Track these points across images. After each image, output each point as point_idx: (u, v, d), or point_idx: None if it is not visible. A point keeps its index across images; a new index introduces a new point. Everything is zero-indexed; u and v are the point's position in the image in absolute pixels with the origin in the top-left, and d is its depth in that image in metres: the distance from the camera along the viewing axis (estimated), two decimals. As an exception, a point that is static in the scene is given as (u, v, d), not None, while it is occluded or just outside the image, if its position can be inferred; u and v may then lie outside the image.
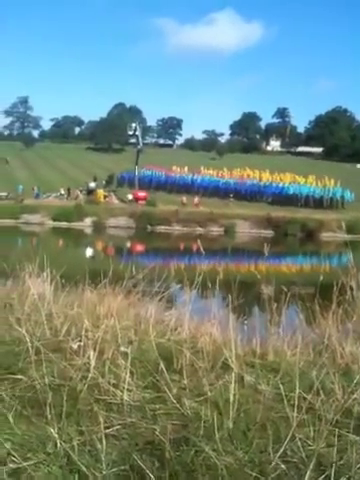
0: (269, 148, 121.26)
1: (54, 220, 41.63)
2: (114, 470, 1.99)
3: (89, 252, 29.60)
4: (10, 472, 1.97)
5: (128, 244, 34.89)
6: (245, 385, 2.89)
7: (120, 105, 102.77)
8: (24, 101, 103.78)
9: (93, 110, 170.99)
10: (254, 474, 2.01)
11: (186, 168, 59.60)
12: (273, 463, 2.07)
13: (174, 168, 59.83)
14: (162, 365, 2.89)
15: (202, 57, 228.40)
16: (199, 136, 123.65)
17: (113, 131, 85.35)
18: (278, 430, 2.35)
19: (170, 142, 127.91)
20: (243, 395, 2.68)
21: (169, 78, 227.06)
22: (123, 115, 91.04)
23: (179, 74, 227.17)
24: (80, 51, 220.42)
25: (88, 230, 40.99)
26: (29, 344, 3.02)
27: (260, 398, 2.68)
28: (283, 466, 2.07)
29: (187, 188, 55.03)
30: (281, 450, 2.13)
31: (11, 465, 1.99)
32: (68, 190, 49.32)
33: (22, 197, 45.58)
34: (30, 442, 2.18)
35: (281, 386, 2.74)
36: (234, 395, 2.58)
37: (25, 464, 1.97)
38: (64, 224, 40.79)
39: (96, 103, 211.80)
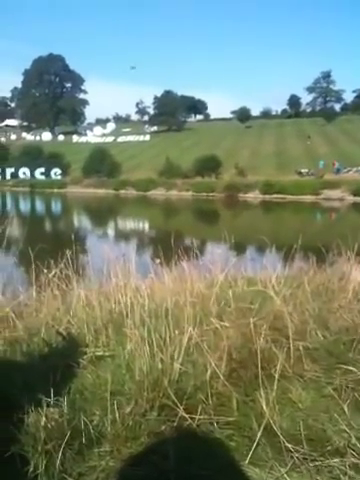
0: None
1: (355, 195, 40.28)
2: None
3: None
4: (351, 465, 1.97)
5: None
6: None
7: None
8: (327, 76, 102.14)
9: None
10: None
11: None
12: None
13: None
14: None
15: None
16: None
17: None
18: None
19: None
20: None
21: None
22: None
23: None
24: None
25: (392, 206, 38.11)
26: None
27: None
28: None
29: None
30: None
31: (352, 459, 2.01)
32: (370, 163, 46.80)
33: (323, 173, 45.65)
34: (366, 438, 2.15)
35: None
36: None
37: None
38: (365, 200, 39.08)
39: None
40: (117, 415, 2.16)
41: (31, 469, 1.84)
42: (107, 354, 2.85)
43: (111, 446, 2.05)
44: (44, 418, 2.01)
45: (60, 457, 1.87)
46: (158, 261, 4.79)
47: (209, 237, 16.38)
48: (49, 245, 4.99)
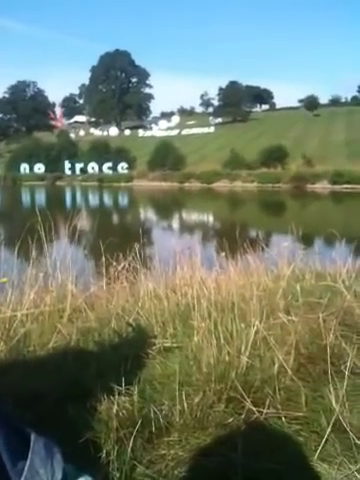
0: None
1: None
2: None
3: None
4: None
5: None
6: None
7: None
8: None
9: None
10: None
11: None
12: None
13: None
14: None
15: None
16: None
17: None
18: None
19: None
20: None
21: None
22: None
23: None
24: None
25: None
26: None
27: None
28: None
29: None
30: None
31: None
32: None
33: None
34: None
35: None
36: None
37: None
38: None
39: None
40: (185, 405, 2.20)
41: (103, 455, 1.92)
42: (175, 345, 2.91)
43: (180, 436, 2.10)
44: (116, 406, 2.09)
45: (131, 445, 1.94)
46: (223, 254, 4.80)
47: (275, 229, 16.14)
48: (117, 238, 5.14)
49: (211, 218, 29.25)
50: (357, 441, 2.04)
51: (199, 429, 2.14)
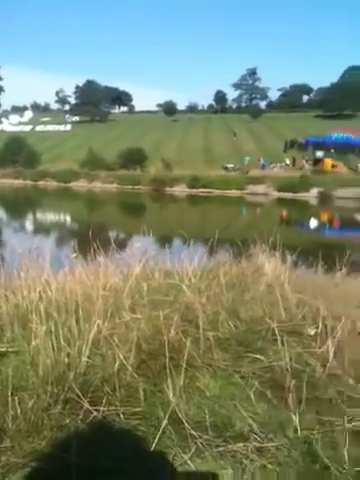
0: None
1: (279, 191, 41.54)
2: (358, 469, 1.94)
3: (313, 224, 29.08)
4: (253, 450, 2.06)
5: (359, 217, 32.36)
6: None
7: (356, 69, 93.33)
8: (252, 73, 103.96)
9: (323, 76, 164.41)
10: None
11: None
12: None
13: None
14: None
15: None
16: None
17: (346, 96, 79.59)
18: None
19: None
20: None
21: None
22: (358, 78, 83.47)
23: None
24: (306, 15, 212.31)
25: (313, 201, 39.74)
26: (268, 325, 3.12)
27: None
28: None
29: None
30: None
31: (255, 443, 2.09)
32: (293, 160, 48.62)
33: (248, 168, 46.86)
34: (271, 423, 2.25)
35: None
36: None
37: (269, 445, 2.06)
38: (289, 195, 40.38)
39: (326, 69, 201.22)
40: (19, 410, 2.10)
41: None
42: (11, 350, 2.75)
43: (12, 441, 2.00)
44: None
45: None
46: (74, 255, 4.69)
47: (134, 230, 16.31)
48: None
49: (68, 218, 28.55)
50: (192, 431, 2.13)
51: (34, 433, 2.05)
